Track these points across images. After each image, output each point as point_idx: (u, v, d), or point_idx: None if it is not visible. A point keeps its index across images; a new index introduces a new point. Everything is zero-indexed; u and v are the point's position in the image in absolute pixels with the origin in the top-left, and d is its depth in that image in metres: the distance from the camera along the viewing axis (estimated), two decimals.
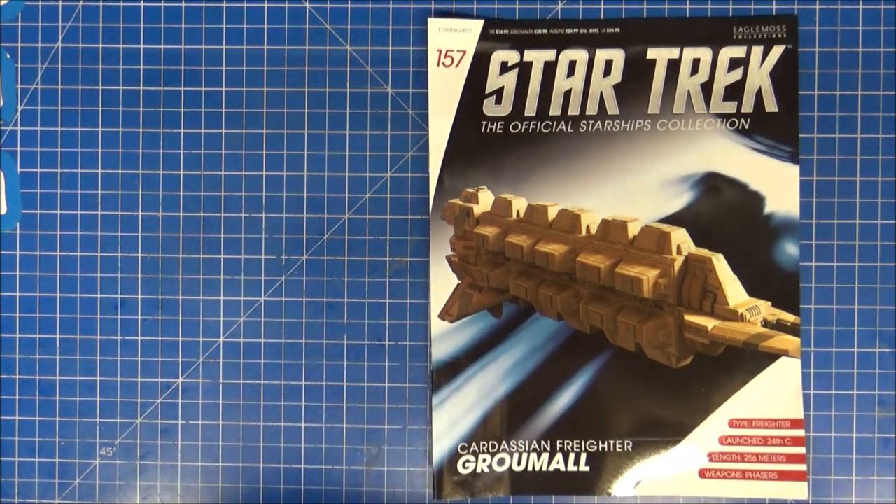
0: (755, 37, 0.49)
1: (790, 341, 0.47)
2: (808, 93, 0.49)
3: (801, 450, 0.48)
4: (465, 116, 0.49)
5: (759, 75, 0.49)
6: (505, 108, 0.49)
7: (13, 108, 0.51)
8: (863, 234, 0.49)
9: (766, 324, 0.47)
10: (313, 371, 0.50)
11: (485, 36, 0.49)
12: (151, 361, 0.51)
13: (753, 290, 0.47)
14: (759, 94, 0.49)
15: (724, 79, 0.49)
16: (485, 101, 0.49)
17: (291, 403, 0.50)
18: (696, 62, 0.49)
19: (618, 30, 0.49)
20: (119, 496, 0.51)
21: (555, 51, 0.49)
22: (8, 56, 0.51)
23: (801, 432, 0.48)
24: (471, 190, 0.49)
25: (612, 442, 0.49)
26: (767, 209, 0.49)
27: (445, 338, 0.49)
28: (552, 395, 0.49)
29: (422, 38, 0.50)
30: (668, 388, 0.49)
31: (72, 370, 0.51)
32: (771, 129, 0.49)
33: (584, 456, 0.49)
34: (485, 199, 0.50)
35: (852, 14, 0.49)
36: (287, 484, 0.50)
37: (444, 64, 0.49)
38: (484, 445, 0.49)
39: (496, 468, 0.49)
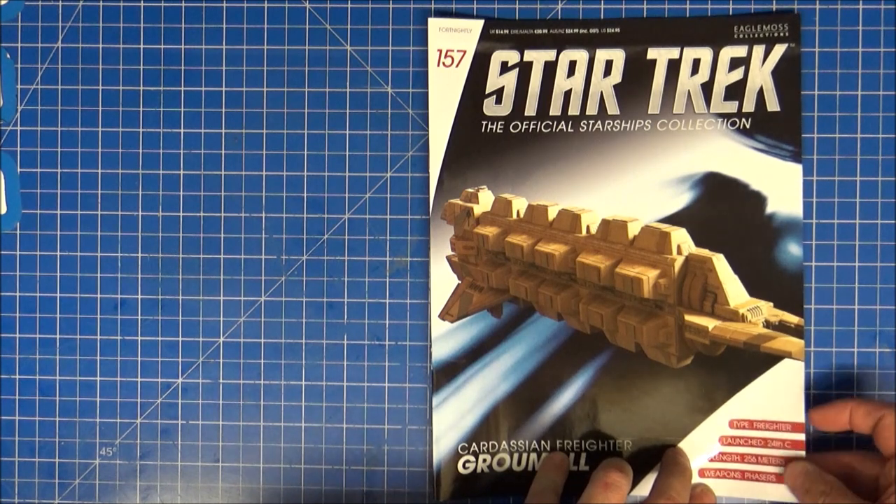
0: (757, 35, 0.49)
1: (794, 343, 0.47)
2: (809, 93, 0.49)
3: (801, 453, 0.48)
4: (465, 116, 0.49)
5: (761, 74, 0.49)
6: (505, 108, 0.49)
7: (13, 108, 0.51)
8: (863, 234, 0.49)
9: (768, 325, 0.47)
10: (313, 371, 0.50)
11: (485, 36, 0.49)
12: (151, 361, 0.51)
13: (756, 290, 0.47)
14: (760, 93, 0.49)
15: (724, 78, 0.49)
16: (485, 101, 0.49)
17: (291, 403, 0.50)
18: (696, 62, 0.49)
19: (618, 30, 0.49)
20: (119, 496, 0.51)
21: (555, 51, 0.49)
22: (8, 56, 0.51)
23: (801, 436, 0.48)
24: (471, 190, 0.49)
25: (611, 442, 0.49)
26: (769, 209, 0.49)
27: (445, 338, 0.49)
28: (552, 395, 0.49)
29: (422, 38, 0.50)
30: (668, 388, 0.49)
31: (72, 370, 0.51)
32: (773, 129, 0.49)
33: (584, 456, 0.49)
34: (485, 199, 0.50)
35: (852, 14, 0.49)
36: (287, 484, 0.50)
37: (444, 64, 0.49)
38: (484, 446, 0.49)
39: (496, 468, 0.49)
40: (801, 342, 0.47)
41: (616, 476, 0.45)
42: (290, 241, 0.50)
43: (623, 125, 0.49)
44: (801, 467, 0.46)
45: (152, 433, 0.51)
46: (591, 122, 0.49)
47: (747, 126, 0.49)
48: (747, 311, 0.46)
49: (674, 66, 0.49)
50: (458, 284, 0.50)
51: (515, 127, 0.49)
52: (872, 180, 0.49)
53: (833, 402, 0.47)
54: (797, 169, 0.49)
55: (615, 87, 0.49)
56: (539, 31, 0.49)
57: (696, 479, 0.49)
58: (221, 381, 0.51)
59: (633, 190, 0.49)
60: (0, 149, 0.51)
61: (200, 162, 0.51)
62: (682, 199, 0.49)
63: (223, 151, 0.51)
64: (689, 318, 0.47)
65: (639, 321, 0.48)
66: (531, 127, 0.49)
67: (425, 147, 0.50)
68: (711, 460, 0.49)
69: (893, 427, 0.44)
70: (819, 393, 0.49)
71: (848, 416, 0.46)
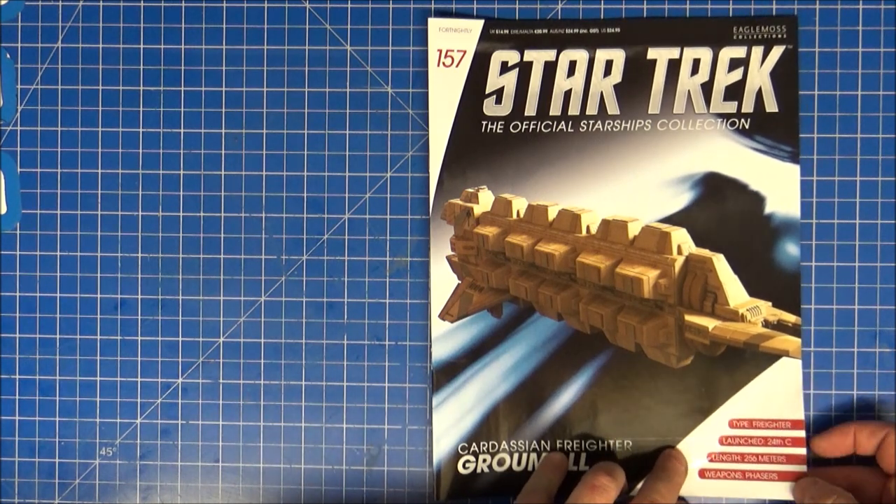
0: (755, 37, 0.49)
1: (791, 342, 0.47)
2: (808, 93, 0.49)
3: (802, 450, 0.48)
4: (465, 116, 0.49)
5: (760, 75, 0.49)
6: (505, 108, 0.49)
7: (13, 108, 0.51)
8: (863, 234, 0.49)
9: (766, 324, 0.47)
10: (313, 371, 0.50)
11: (485, 36, 0.49)
12: (151, 361, 0.51)
13: (754, 290, 0.47)
14: (759, 94, 0.49)
15: (724, 79, 0.49)
16: (485, 101, 0.49)
17: (291, 403, 0.50)
18: (696, 62, 0.49)
19: (618, 30, 0.49)
20: (119, 496, 0.51)
21: (555, 51, 0.49)
22: (8, 56, 0.51)
23: (801, 433, 0.48)
24: (471, 190, 0.49)
25: (612, 442, 0.49)
26: (768, 209, 0.49)
27: (445, 338, 0.49)
28: (552, 395, 0.49)
29: (422, 38, 0.50)
30: (668, 388, 0.49)
31: (72, 370, 0.51)
32: (771, 130, 0.49)
33: (584, 456, 0.49)
34: (485, 199, 0.50)
35: (852, 14, 0.49)
36: (287, 484, 0.50)
37: (444, 64, 0.49)
38: (484, 446, 0.49)
39: (496, 468, 0.49)
40: (798, 340, 0.47)
41: (604, 479, 0.45)
42: (290, 241, 0.50)
43: (623, 125, 0.49)
44: (809, 481, 0.47)
45: (152, 433, 0.51)
46: (591, 122, 0.49)
47: (746, 126, 0.49)
48: (747, 311, 0.46)
49: (674, 65, 0.49)
50: (458, 284, 0.50)
51: (515, 127, 0.49)
52: (872, 180, 0.49)
53: (834, 428, 0.47)
54: (795, 170, 0.49)
55: (615, 87, 0.49)
56: (539, 31, 0.49)
57: (696, 480, 0.49)
58: (221, 381, 0.51)
59: (633, 190, 0.49)
60: (0, 149, 0.51)
61: (200, 162, 0.51)
62: (682, 199, 0.49)
63: (223, 151, 0.51)
64: (689, 318, 0.47)
65: (639, 321, 0.48)
66: (531, 127, 0.49)
67: (425, 147, 0.50)
68: (712, 460, 0.49)
69: None
70: (819, 393, 0.49)
71: (852, 440, 0.46)
